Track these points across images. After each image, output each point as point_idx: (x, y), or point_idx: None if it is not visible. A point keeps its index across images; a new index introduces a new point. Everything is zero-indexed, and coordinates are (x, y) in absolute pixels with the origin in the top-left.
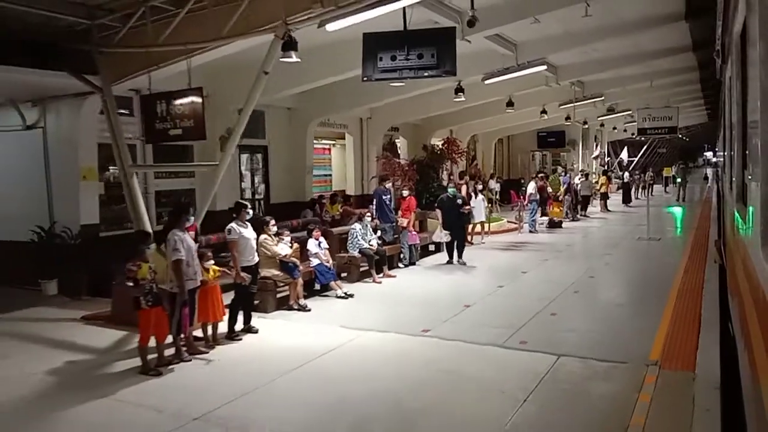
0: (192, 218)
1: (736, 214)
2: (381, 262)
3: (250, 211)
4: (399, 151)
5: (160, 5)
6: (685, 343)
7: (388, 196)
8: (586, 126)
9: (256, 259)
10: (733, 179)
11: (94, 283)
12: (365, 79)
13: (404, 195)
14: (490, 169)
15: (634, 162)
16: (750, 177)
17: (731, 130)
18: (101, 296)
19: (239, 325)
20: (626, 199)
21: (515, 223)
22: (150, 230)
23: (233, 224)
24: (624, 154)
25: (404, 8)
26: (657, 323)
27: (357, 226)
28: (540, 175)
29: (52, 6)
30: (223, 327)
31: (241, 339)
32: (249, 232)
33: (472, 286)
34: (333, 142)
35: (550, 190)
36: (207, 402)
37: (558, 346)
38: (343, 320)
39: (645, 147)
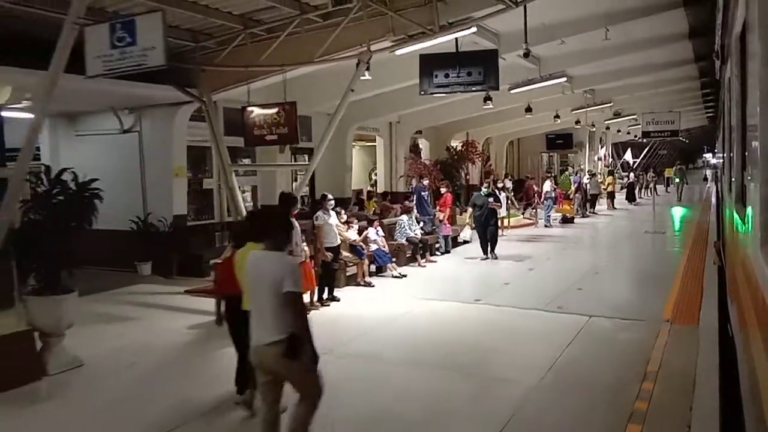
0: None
1: (735, 215)
2: (424, 249)
3: (332, 201)
4: (421, 152)
5: (257, 32)
6: (690, 307)
7: (426, 193)
8: (593, 129)
9: (338, 241)
10: (733, 180)
11: (182, 265)
12: (422, 93)
13: (442, 192)
14: (502, 169)
15: (636, 163)
16: (749, 178)
17: (730, 132)
18: (189, 275)
19: (325, 295)
20: (631, 198)
21: (531, 219)
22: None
23: (320, 212)
24: (628, 156)
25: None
26: (667, 294)
27: (404, 217)
28: (529, 176)
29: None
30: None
31: (328, 305)
32: (332, 219)
33: (505, 269)
34: (353, 143)
35: (536, 188)
36: (326, 344)
37: (588, 310)
38: (405, 293)
39: (647, 149)
